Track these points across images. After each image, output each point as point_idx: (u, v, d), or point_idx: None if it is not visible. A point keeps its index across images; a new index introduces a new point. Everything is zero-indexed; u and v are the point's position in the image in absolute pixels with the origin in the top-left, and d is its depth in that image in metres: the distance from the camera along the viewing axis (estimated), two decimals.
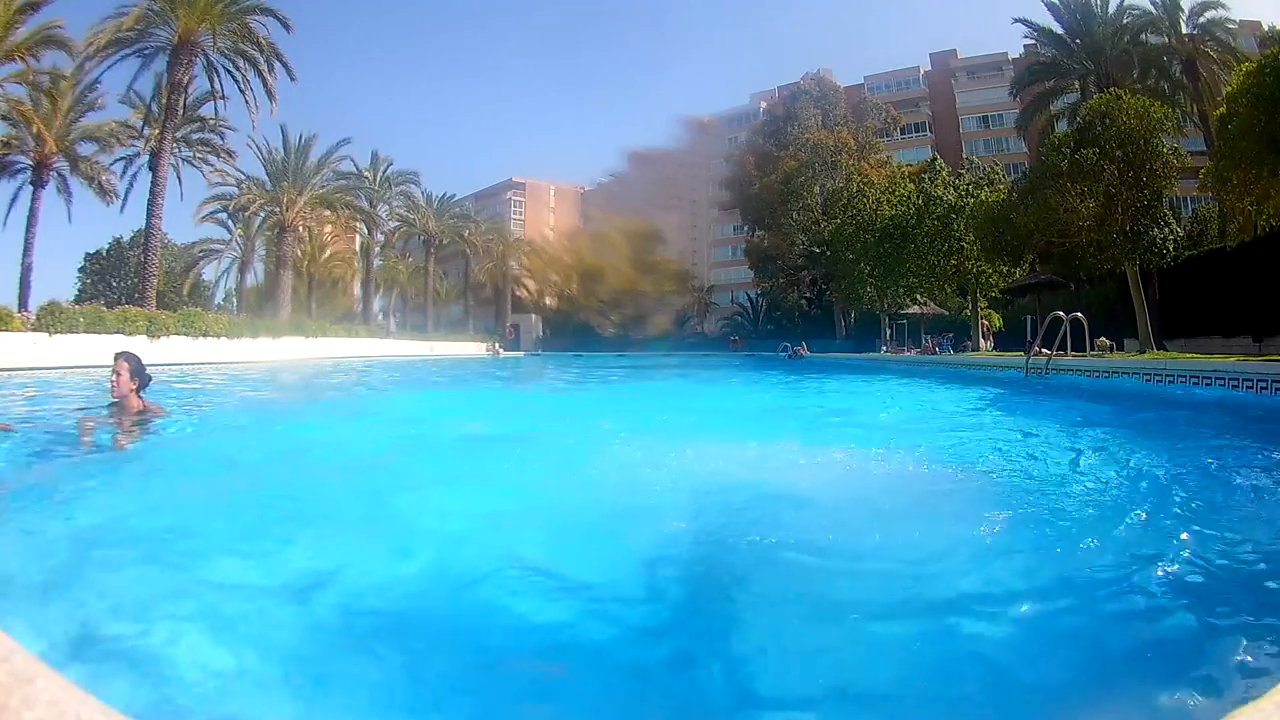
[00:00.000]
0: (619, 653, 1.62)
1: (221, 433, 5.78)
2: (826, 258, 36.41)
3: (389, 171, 43.54)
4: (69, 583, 1.86)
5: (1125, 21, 27.29)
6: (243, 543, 2.31)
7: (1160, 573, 1.97)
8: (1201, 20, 26.18)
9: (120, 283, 46.41)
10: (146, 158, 26.77)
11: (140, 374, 4.49)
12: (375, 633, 1.67)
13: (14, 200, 26.93)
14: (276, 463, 4.20)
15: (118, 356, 4.45)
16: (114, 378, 4.37)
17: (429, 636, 1.69)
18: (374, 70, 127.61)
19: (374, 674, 1.50)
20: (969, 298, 26.94)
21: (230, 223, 40.18)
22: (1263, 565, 2.02)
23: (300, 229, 34.49)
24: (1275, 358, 9.51)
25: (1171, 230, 16.47)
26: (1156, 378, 9.13)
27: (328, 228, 44.21)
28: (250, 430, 6.27)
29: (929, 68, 58.62)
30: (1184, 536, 2.35)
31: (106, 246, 49.52)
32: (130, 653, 1.47)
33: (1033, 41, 32.03)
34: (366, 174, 41.16)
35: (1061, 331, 12.46)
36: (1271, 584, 1.90)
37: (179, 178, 29.31)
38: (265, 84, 25.01)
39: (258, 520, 2.64)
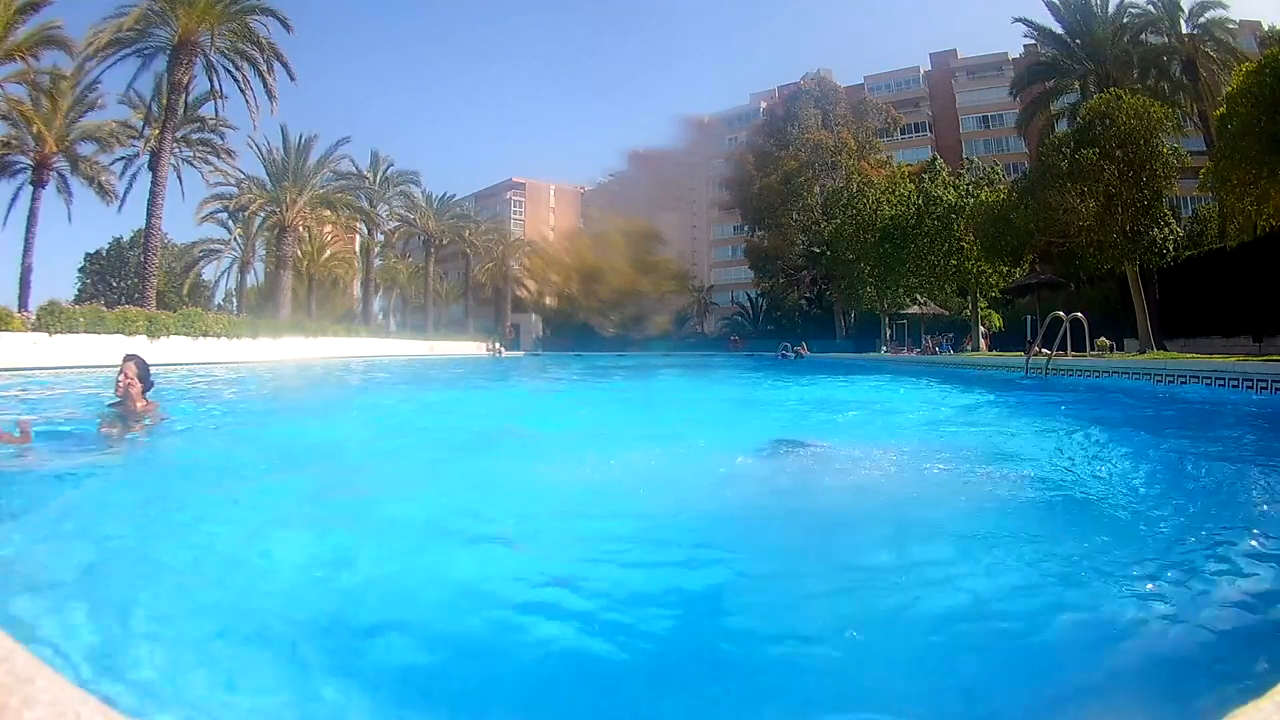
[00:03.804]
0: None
1: (216, 434, 5.79)
2: (826, 258, 36.41)
3: (389, 171, 43.54)
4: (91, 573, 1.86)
5: (1125, 21, 27.30)
6: (241, 535, 2.31)
7: (1159, 571, 1.98)
8: (1201, 20, 26.18)
9: (120, 283, 46.39)
10: (146, 158, 26.72)
11: (145, 378, 4.60)
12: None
13: (14, 200, 26.98)
14: (275, 461, 4.21)
15: (126, 359, 4.59)
16: (121, 378, 4.46)
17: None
18: (374, 70, 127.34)
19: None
20: (969, 298, 26.93)
21: (230, 223, 40.17)
22: (1262, 563, 2.02)
23: (300, 229, 34.46)
24: (1275, 358, 9.51)
25: (1171, 230, 16.47)
26: (1156, 377, 9.13)
27: (328, 228, 44.17)
28: (249, 430, 6.27)
29: (929, 68, 58.56)
30: (1182, 534, 2.35)
31: (106, 246, 49.56)
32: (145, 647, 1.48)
33: (1033, 41, 32.04)
34: (366, 174, 41.14)
35: (1061, 331, 12.46)
36: (1271, 582, 1.90)
37: (179, 178, 29.37)
38: (265, 84, 25.00)
39: (253, 512, 2.64)
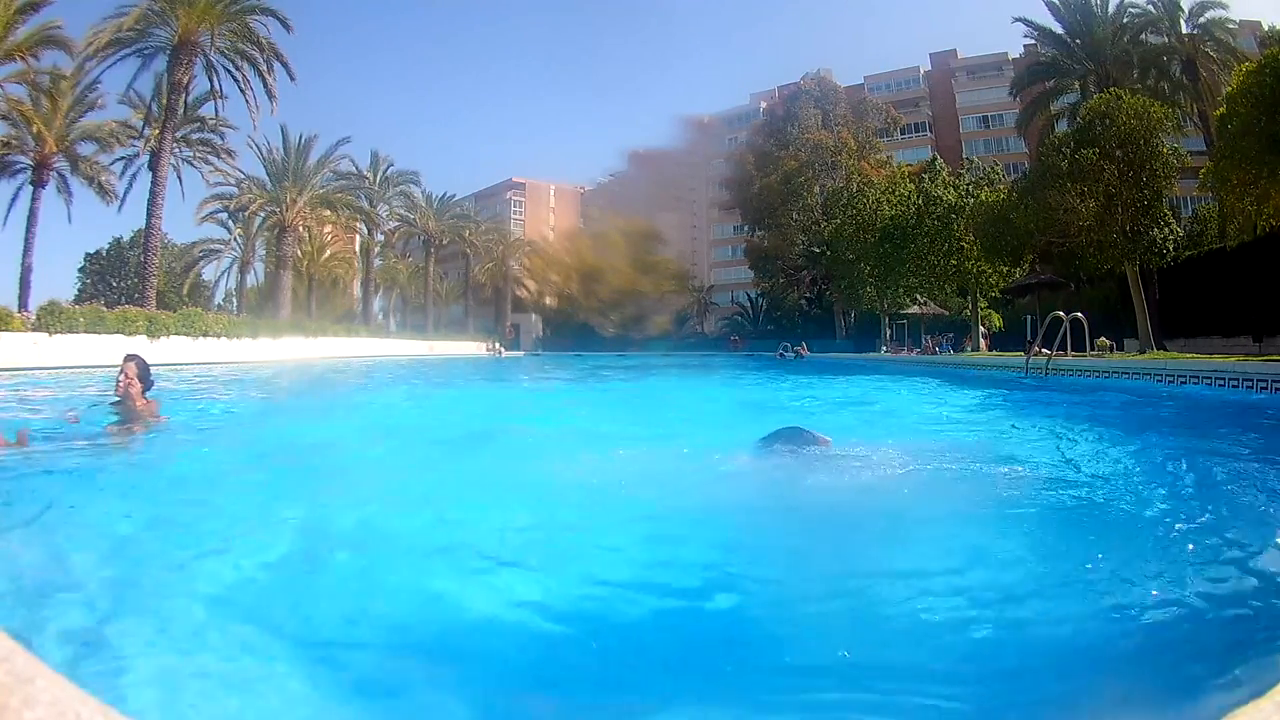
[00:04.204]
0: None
1: (215, 434, 5.79)
2: (826, 258, 36.39)
3: (389, 171, 43.51)
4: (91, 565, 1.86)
5: (1125, 21, 27.29)
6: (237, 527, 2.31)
7: (1159, 571, 1.97)
8: (1201, 20, 26.18)
9: (120, 283, 46.37)
10: (146, 158, 26.69)
11: (145, 377, 4.62)
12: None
13: (14, 200, 26.96)
14: (273, 461, 4.21)
15: (127, 358, 4.62)
16: (121, 378, 4.48)
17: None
18: (374, 70, 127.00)
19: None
20: (969, 298, 26.93)
21: (230, 223, 40.15)
22: (1262, 564, 2.01)
23: (300, 229, 34.43)
24: (1275, 357, 9.51)
25: (1171, 230, 16.47)
26: (1156, 377, 9.13)
27: (328, 228, 44.12)
28: (248, 430, 6.27)
29: (929, 68, 58.53)
30: (1182, 535, 2.35)
31: (106, 246, 49.54)
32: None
33: (1033, 41, 32.03)
34: (366, 174, 41.12)
35: (1061, 331, 12.46)
36: (1272, 583, 1.89)
37: (179, 178, 29.35)
38: (265, 84, 24.99)
39: (253, 505, 2.64)
